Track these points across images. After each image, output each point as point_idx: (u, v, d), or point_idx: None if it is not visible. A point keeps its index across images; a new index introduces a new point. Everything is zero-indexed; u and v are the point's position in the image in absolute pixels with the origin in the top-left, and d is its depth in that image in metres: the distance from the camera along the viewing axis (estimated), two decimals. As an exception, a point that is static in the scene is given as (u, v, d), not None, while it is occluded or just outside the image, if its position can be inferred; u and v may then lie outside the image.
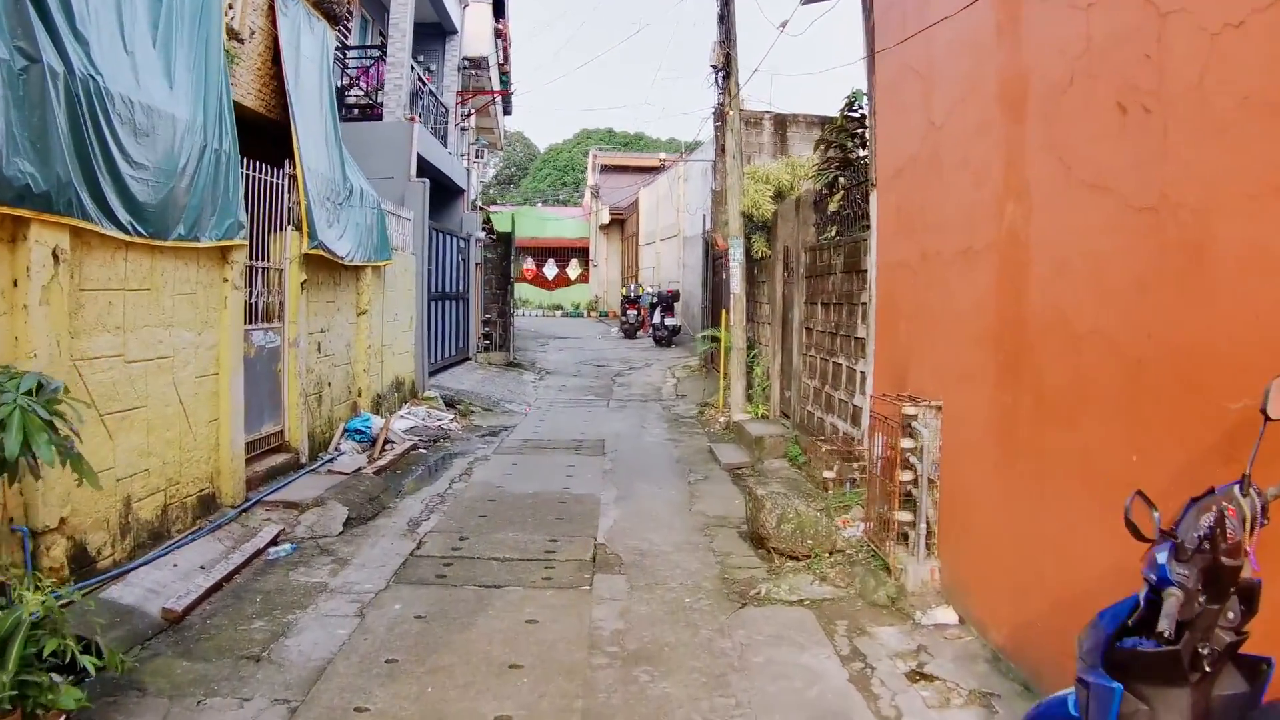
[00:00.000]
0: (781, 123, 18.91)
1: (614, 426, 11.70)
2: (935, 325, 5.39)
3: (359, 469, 8.70)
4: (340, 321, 9.69)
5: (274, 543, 6.66)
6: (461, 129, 20.18)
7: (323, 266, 9.11)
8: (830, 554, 5.87)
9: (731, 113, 10.69)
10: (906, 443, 5.42)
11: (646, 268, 30.16)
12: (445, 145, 16.77)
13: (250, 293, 7.75)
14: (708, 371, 16.30)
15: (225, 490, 6.99)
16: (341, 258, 9.21)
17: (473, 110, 19.13)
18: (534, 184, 60.01)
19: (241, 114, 8.98)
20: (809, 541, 5.87)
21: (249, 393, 7.54)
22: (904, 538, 5.48)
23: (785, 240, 10.00)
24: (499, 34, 23.51)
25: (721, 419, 12.05)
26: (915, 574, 5.27)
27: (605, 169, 38.71)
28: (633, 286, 25.50)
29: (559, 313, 35.83)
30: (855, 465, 7.04)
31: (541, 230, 37.88)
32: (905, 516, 5.41)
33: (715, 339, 13.94)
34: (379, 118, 13.74)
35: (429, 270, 14.04)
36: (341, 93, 14.08)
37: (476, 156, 27.23)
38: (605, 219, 36.08)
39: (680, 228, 24.92)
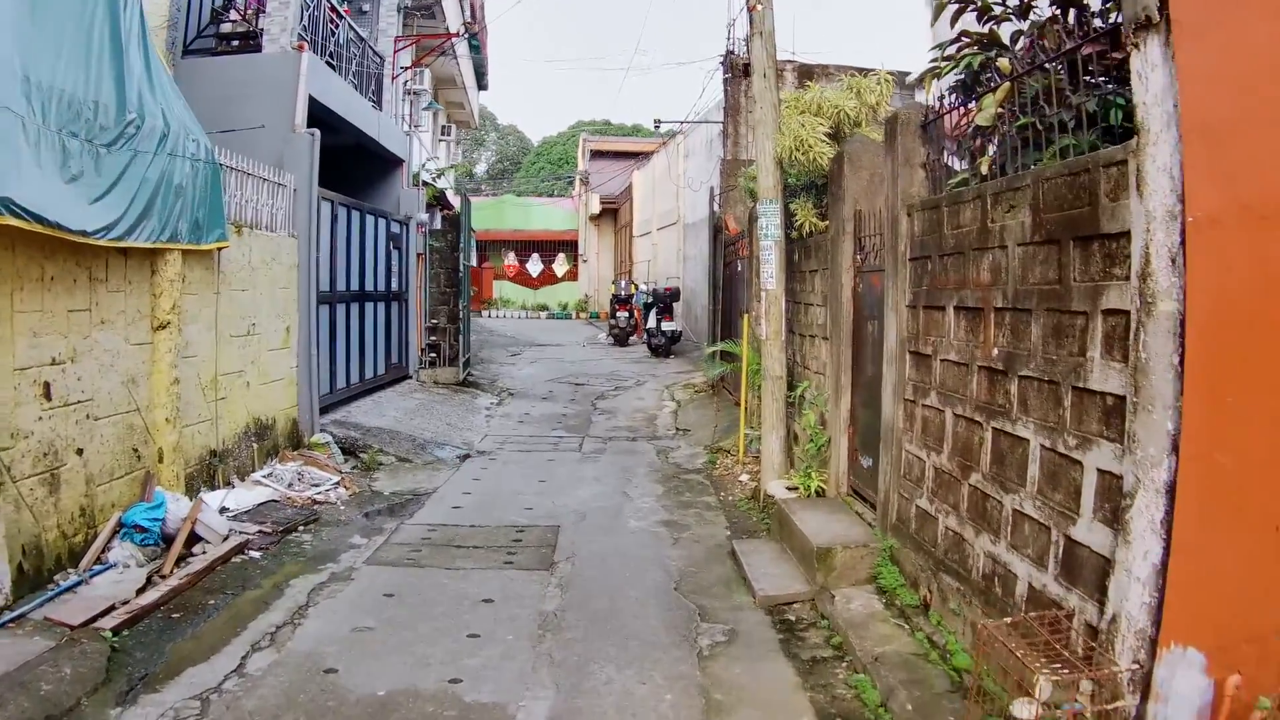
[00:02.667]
0: (807, 74, 14.92)
1: (581, 493, 7.71)
2: None
3: (104, 611, 4.82)
4: (108, 343, 5.72)
5: None
6: (410, 92, 16.21)
7: (59, 250, 5.18)
8: None
9: (760, 7, 6.70)
10: None
11: (641, 261, 26.14)
12: (379, 104, 12.83)
13: None
14: (718, 394, 12.34)
15: None
16: (88, 234, 5.25)
17: (416, 60, 15.12)
18: (526, 177, 56.92)
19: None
20: None
21: None
22: None
23: (858, 201, 6.00)
24: (461, -19, 19.50)
25: (744, 477, 8.06)
26: None
27: (596, 155, 34.59)
28: (623, 283, 21.39)
29: (544, 314, 31.77)
30: (1087, 684, 3.06)
31: (526, 221, 33.82)
32: None
33: (730, 356, 9.95)
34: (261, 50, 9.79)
35: (333, 261, 10.07)
36: (216, 17, 10.17)
37: (443, 134, 23.28)
38: (596, 208, 31.98)
39: (680, 213, 20.91)
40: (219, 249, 6.95)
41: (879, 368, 5.42)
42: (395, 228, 12.66)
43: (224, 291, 7.19)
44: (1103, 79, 3.75)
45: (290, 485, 7.55)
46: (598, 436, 10.54)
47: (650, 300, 18.52)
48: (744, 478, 8.09)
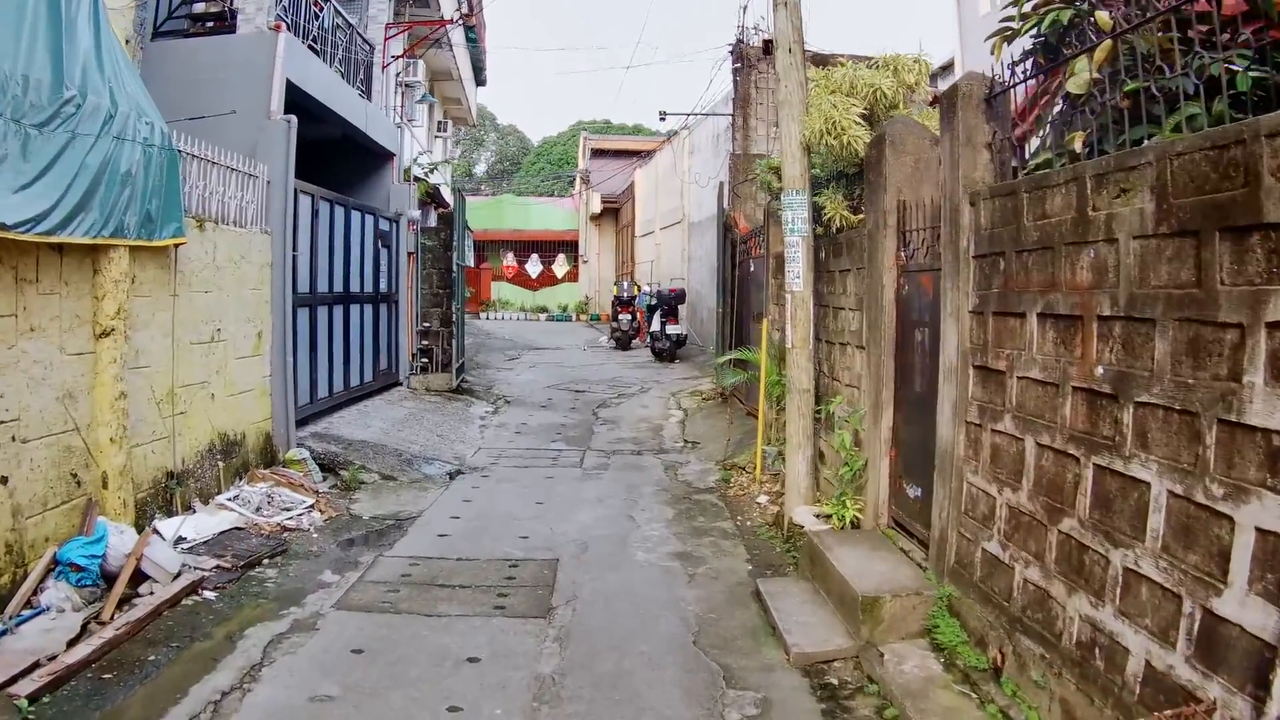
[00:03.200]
0: (821, 63, 14.17)
1: (582, 518, 6.96)
2: None
3: (26, 670, 4.19)
4: (40, 353, 4.97)
5: None
6: (403, 84, 15.46)
7: (-29, 243, 4.44)
8: None
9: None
10: None
11: (644, 262, 25.40)
12: (368, 94, 12.13)
13: None
14: (728, 403, 11.60)
15: None
16: (8, 227, 4.54)
17: (409, 48, 14.35)
18: (526, 177, 56.36)
19: None
20: None
21: None
22: None
23: (901, 190, 5.25)
24: (458, -31, 18.77)
25: (762, 499, 7.32)
26: None
27: (597, 153, 33.86)
28: (625, 285, 20.61)
29: (544, 316, 31.00)
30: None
31: (525, 221, 33.06)
32: None
33: (744, 364, 9.20)
34: (235, 30, 9.07)
35: (314, 259, 9.32)
36: (188, -2, 9.45)
37: (439, 130, 22.56)
38: (597, 208, 31.22)
39: (685, 212, 20.17)
40: (176, 245, 6.20)
41: (930, 383, 4.67)
42: (384, 225, 11.92)
43: (183, 293, 6.44)
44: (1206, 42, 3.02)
45: (259, 509, 6.80)
46: (600, 449, 9.78)
47: (654, 302, 17.76)
48: (763, 499, 7.33)
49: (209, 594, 5.22)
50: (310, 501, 7.04)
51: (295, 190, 8.70)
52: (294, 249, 8.41)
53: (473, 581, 5.39)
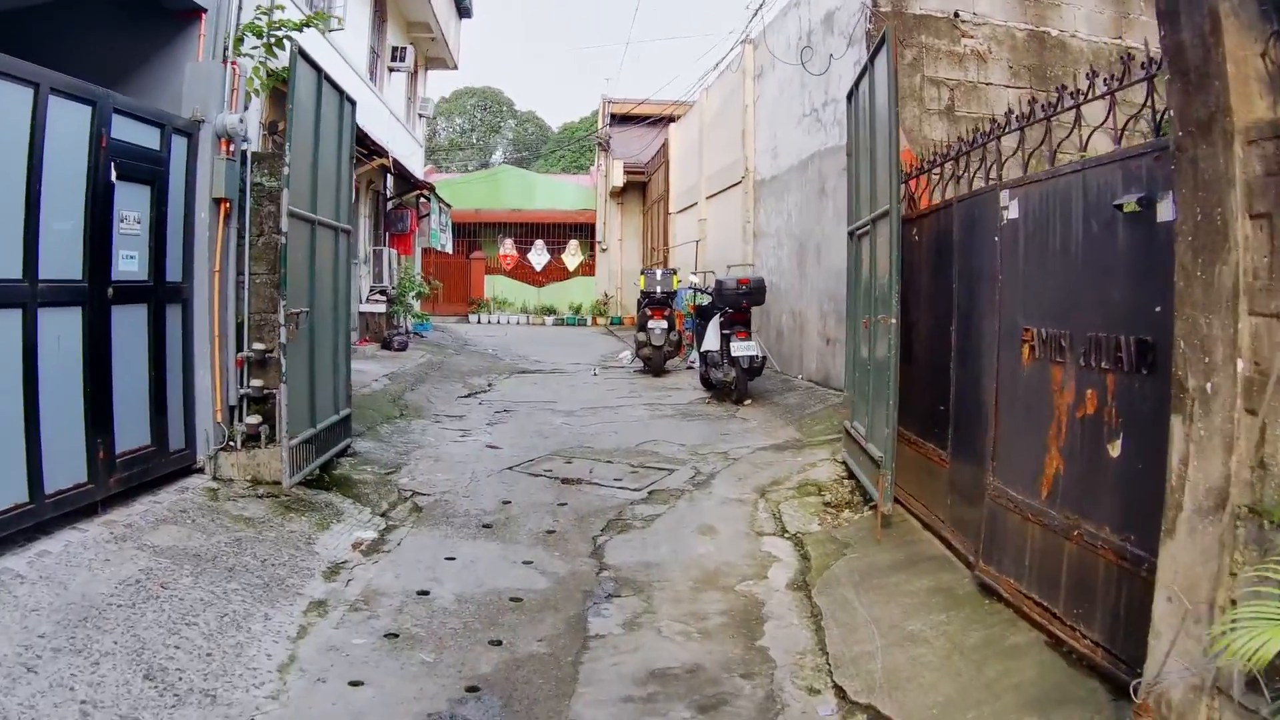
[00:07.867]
0: None
1: None
2: None
3: None
4: None
5: None
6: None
7: None
8: None
9: None
10: None
11: (683, 243, 18.68)
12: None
13: None
14: (892, 526, 4.95)
15: None
16: None
17: None
18: (546, 165, 52.81)
19: None
20: None
21: None
22: None
23: None
24: None
25: None
26: None
27: (618, 119, 27.23)
28: (659, 275, 13.81)
29: (550, 319, 24.42)
30: None
31: (528, 199, 26.46)
32: None
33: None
34: None
35: None
36: None
37: (396, 58, 16.12)
38: (619, 180, 24.58)
39: (749, 165, 13.49)
40: None
41: None
42: (139, 136, 5.40)
43: None
44: None
45: None
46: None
47: (706, 302, 11.09)
48: None
49: None
50: None
51: None
52: None
53: None
